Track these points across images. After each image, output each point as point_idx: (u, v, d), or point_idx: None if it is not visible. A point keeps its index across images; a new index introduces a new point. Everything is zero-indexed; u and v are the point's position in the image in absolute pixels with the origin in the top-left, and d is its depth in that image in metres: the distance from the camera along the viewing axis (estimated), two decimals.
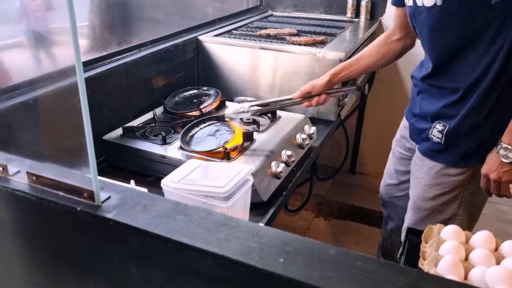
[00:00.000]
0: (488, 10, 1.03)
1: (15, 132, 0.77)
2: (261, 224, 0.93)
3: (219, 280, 0.55)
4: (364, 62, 1.43)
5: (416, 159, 1.33)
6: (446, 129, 1.20)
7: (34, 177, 0.64)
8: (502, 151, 1.11)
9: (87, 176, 0.60)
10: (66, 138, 0.63)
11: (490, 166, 1.15)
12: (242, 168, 1.01)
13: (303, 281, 0.49)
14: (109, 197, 0.62)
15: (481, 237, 0.81)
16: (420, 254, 0.80)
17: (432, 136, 1.24)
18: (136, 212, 0.59)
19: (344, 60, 1.61)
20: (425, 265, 0.76)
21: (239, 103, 1.52)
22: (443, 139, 1.20)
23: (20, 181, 0.65)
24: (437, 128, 1.23)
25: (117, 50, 1.43)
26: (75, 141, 0.59)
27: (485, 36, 1.07)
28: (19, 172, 0.67)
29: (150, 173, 1.23)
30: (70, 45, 0.54)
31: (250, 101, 1.50)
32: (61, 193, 0.62)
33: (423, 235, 0.84)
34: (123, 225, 0.57)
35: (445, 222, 1.21)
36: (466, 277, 0.74)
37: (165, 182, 0.95)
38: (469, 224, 1.32)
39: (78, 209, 0.60)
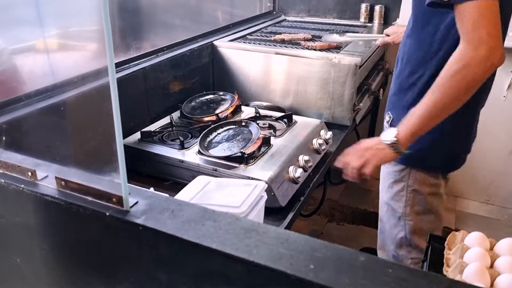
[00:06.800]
0: None
1: (43, 137, 0.77)
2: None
3: (249, 286, 0.55)
4: None
5: None
6: (391, 120, 1.26)
7: (62, 182, 0.65)
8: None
9: (116, 181, 0.60)
10: (96, 144, 0.63)
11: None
12: (257, 185, 0.98)
13: None
14: (136, 202, 0.62)
15: (506, 244, 0.80)
16: (444, 261, 0.79)
17: (385, 126, 1.31)
18: (165, 217, 0.60)
19: (361, 66, 1.61)
20: (449, 272, 0.76)
21: None
22: None
23: (48, 186, 0.66)
24: (386, 119, 1.31)
25: (135, 55, 1.44)
26: (105, 147, 0.59)
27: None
28: (47, 177, 0.67)
29: (168, 177, 1.24)
30: (101, 49, 0.54)
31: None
32: (90, 198, 0.63)
33: (446, 242, 0.83)
34: (152, 231, 0.58)
35: (398, 223, 1.30)
36: (492, 285, 0.73)
37: None
38: (420, 229, 1.30)
39: (107, 214, 0.60)
